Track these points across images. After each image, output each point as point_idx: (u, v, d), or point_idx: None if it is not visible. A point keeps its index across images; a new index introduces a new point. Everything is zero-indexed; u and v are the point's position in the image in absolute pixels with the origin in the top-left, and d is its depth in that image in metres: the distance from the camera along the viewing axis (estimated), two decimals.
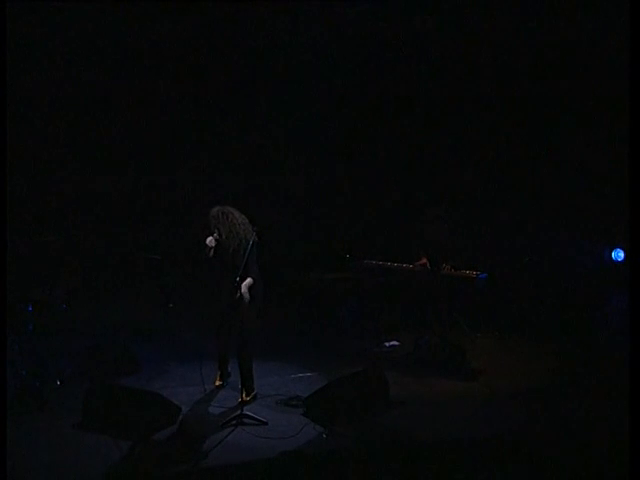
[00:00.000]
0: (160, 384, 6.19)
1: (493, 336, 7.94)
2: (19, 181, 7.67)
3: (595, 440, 5.01)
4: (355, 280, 8.01)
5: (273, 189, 8.84)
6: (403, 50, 8.56)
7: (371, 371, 5.99)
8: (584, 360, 6.96)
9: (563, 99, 8.46)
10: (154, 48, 8.18)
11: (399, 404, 5.81)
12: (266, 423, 5.35)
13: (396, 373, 6.46)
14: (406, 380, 6.42)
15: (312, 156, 8.90)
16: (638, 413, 4.09)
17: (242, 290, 5.59)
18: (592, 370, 6.61)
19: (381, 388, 5.83)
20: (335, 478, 4.62)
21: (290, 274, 8.61)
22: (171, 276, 7.93)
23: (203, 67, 8.36)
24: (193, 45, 8.26)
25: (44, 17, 7.60)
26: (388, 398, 5.83)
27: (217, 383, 6.19)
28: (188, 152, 8.70)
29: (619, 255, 8.02)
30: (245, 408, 5.45)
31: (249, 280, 5.66)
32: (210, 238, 5.76)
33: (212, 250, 5.78)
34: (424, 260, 7.10)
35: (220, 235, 5.78)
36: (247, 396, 5.80)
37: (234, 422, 5.31)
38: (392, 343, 7.69)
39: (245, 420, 5.33)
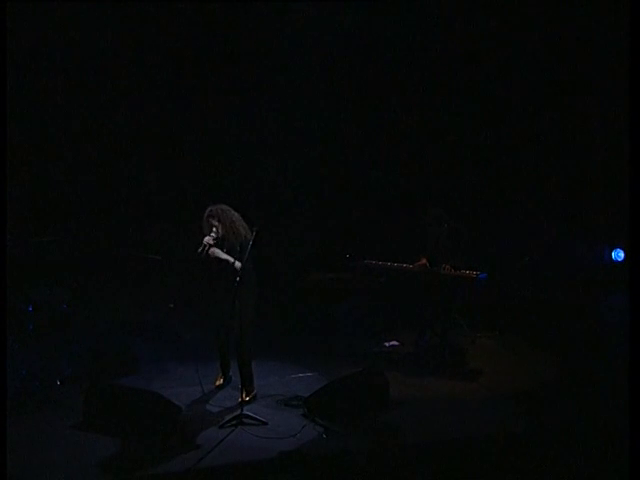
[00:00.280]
0: (160, 384, 6.17)
1: (493, 336, 7.95)
2: (19, 181, 7.66)
3: (595, 440, 5.01)
4: (355, 280, 8.02)
5: (273, 189, 8.83)
6: (403, 50, 8.55)
7: (371, 371, 5.99)
8: (584, 360, 6.96)
9: (564, 99, 8.47)
10: (154, 48, 8.18)
11: (399, 404, 5.81)
12: (266, 423, 5.34)
13: (396, 373, 6.46)
14: (406, 380, 6.42)
15: (312, 156, 8.89)
16: (638, 413, 4.09)
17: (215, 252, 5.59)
18: (592, 370, 6.61)
19: (381, 388, 5.83)
20: (335, 478, 4.63)
21: (290, 274, 8.61)
22: (171, 276, 7.92)
23: (202, 65, 8.35)
24: (193, 45, 8.26)
25: (41, 14, 7.58)
26: (388, 398, 5.82)
27: (217, 383, 6.19)
28: (188, 152, 8.69)
29: (619, 255, 8.03)
30: (245, 408, 5.45)
31: (238, 264, 5.57)
32: (208, 237, 5.69)
33: (209, 249, 5.65)
34: (424, 260, 7.10)
35: (218, 234, 5.74)
36: (247, 396, 5.79)
37: (234, 422, 5.31)
38: (392, 343, 7.70)
39: (245, 420, 5.33)
